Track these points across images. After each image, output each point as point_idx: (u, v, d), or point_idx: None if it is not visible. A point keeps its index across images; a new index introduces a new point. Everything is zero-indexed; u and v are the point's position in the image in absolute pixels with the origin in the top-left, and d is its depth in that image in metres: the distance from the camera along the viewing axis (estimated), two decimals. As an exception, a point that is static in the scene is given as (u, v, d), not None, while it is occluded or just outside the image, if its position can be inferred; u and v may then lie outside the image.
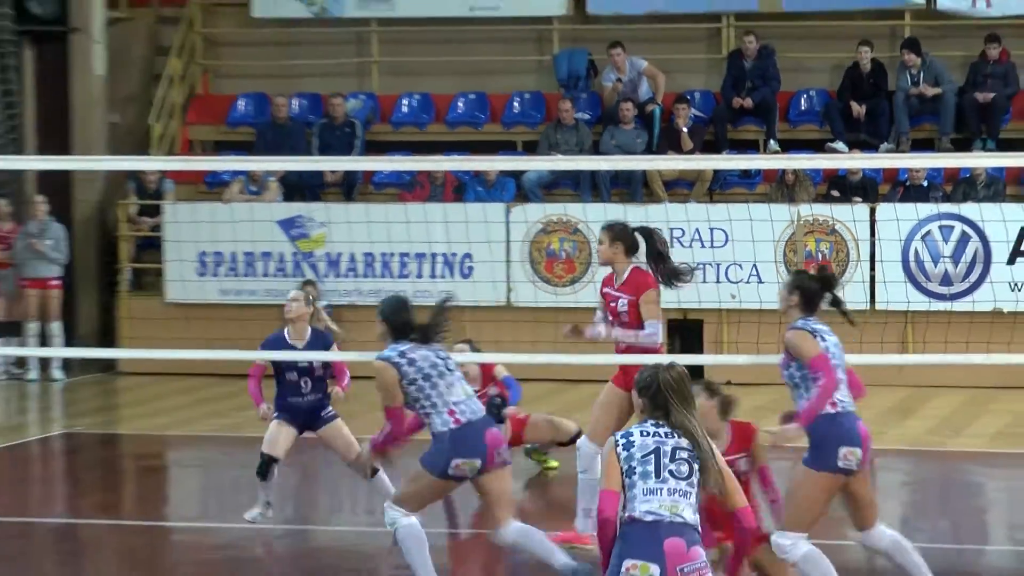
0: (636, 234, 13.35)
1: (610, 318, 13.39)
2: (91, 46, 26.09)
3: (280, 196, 24.25)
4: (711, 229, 22.61)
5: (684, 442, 8.71)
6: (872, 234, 22.33)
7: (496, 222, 22.93)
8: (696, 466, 8.63)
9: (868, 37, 24.19)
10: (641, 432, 8.70)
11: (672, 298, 21.96)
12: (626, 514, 8.56)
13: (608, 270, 13.52)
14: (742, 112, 24.37)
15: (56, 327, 23.60)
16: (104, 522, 15.31)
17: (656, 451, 8.67)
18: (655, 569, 8.31)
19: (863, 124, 23.80)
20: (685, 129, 23.63)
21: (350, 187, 24.59)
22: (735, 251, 22.24)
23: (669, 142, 23.49)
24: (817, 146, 23.49)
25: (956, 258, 21.85)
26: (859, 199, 22.93)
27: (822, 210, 22.79)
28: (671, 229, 22.56)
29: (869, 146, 23.28)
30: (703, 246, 22.52)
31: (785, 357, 11.34)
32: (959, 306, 21.27)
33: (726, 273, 22.54)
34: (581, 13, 25.46)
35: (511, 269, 22.80)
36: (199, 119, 26.34)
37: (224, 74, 27.06)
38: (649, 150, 23.36)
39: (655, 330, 13.30)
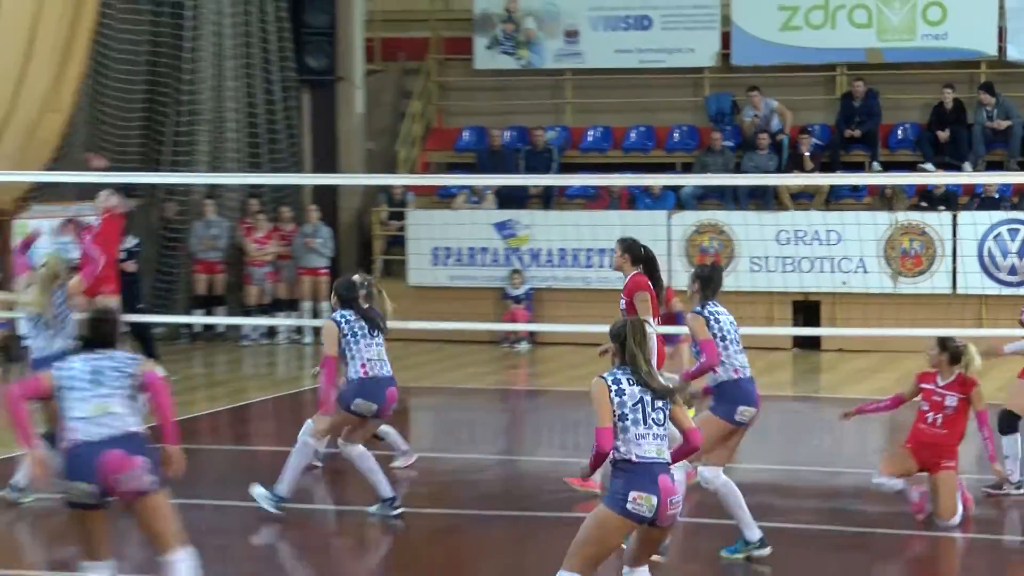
0: (642, 249, 12.52)
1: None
2: (353, 91, 26.37)
3: (495, 205, 24.41)
4: (827, 231, 22.55)
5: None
6: (954, 235, 22.14)
7: (660, 225, 22.85)
8: (667, 413, 8.39)
9: (951, 82, 23.92)
10: (627, 381, 8.37)
11: (796, 284, 22.32)
12: (624, 455, 8.31)
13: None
14: (852, 140, 24.18)
15: (325, 305, 23.71)
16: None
17: (641, 400, 8.34)
18: (655, 499, 8.16)
19: (947, 149, 23.55)
20: (807, 153, 23.56)
21: (548, 198, 24.70)
22: (846, 248, 22.25)
23: (794, 164, 23.43)
24: (911, 167, 23.31)
25: (1021, 253, 21.76)
26: (943, 208, 22.76)
27: (914, 216, 22.66)
28: (796, 231, 22.69)
29: (952, 167, 23.07)
30: (820, 244, 22.41)
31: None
32: (1024, 291, 21.22)
33: (839, 265, 22.44)
34: (726, 64, 25.36)
35: (671, 261, 22.60)
36: (434, 146, 26.51)
37: (453, 112, 27.11)
38: (779, 170, 23.29)
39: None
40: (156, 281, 24.06)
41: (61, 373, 8.31)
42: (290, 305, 24.29)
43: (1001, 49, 24.28)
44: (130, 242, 18.61)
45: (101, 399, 8.16)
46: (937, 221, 22.50)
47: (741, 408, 10.80)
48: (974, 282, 21.84)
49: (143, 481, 7.95)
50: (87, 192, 22.53)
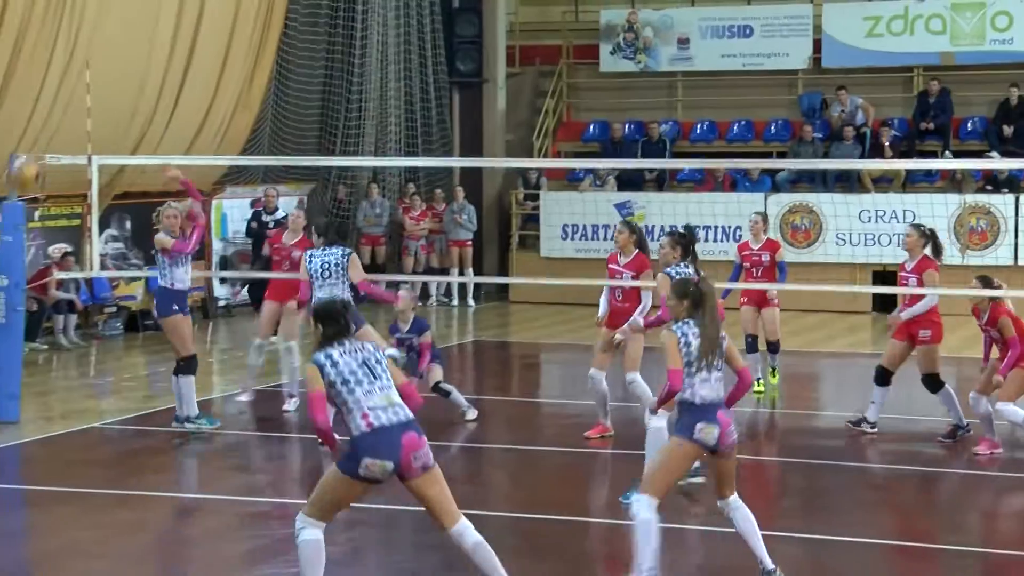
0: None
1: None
2: (496, 91, 26.49)
3: (615, 187, 24.28)
4: (903, 210, 22.09)
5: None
6: (1016, 214, 21.88)
7: (758, 205, 22.27)
8: (723, 360, 8.33)
9: (1016, 81, 23.42)
10: (692, 334, 8.28)
11: (876, 256, 22.06)
12: (689, 397, 8.25)
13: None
14: (926, 132, 23.77)
15: (470, 272, 24.02)
16: (497, 398, 15.65)
17: (691, 349, 8.29)
18: (716, 431, 8.14)
19: (1011, 140, 23.07)
20: (887, 143, 23.13)
21: (661, 182, 24.52)
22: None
23: (875, 152, 23.06)
24: (978, 155, 22.87)
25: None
26: (1006, 190, 22.42)
27: (981, 198, 22.37)
28: (876, 210, 22.47)
29: (1015, 155, 22.59)
30: (897, 221, 21.97)
31: None
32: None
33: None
34: (818, 67, 25.03)
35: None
36: (564, 138, 26.42)
37: (580, 108, 27.04)
38: (862, 157, 22.89)
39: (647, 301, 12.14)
40: (329, 251, 24.20)
41: (332, 371, 7.68)
42: (441, 272, 24.38)
43: (1062, 52, 23.87)
44: (279, 213, 18.61)
45: (384, 390, 7.70)
46: (1001, 202, 22.20)
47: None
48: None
49: (430, 458, 7.66)
50: (271, 176, 22.86)
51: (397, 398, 7.69)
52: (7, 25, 16.92)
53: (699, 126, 25.67)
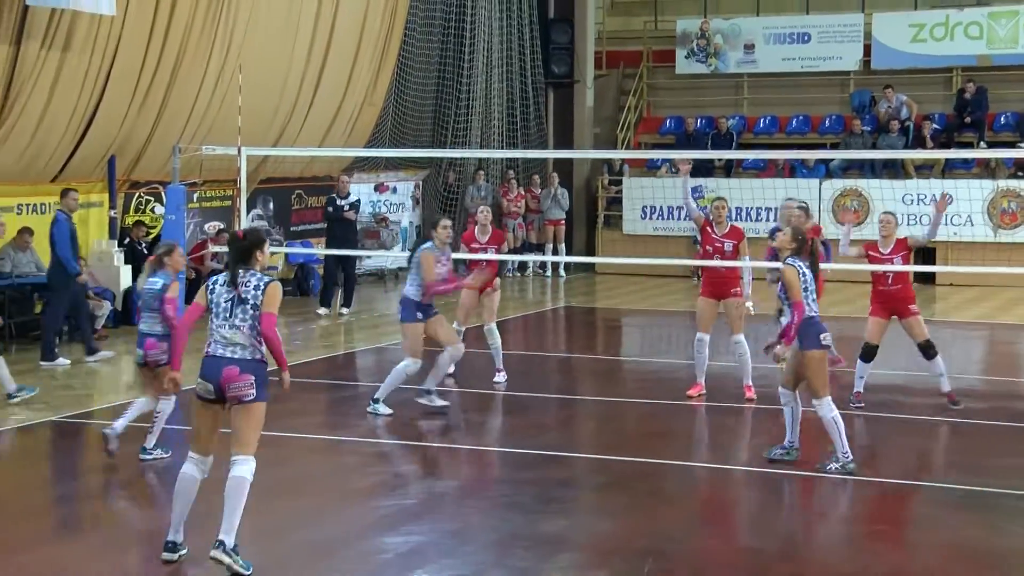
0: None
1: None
2: (585, 91, 26.49)
3: (688, 173, 24.13)
4: (943, 193, 21.88)
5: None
6: (1020, 197, 21.66)
7: (813, 189, 22.28)
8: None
9: (1045, 80, 23.14)
10: (805, 267, 9.43)
11: (919, 235, 21.59)
12: (809, 314, 9.28)
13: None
14: (964, 125, 23.40)
15: (562, 248, 24.04)
16: (584, 356, 15.61)
17: (807, 278, 9.43)
18: (830, 337, 9.43)
19: (1040, 132, 22.77)
20: (928, 135, 22.87)
21: (729, 169, 24.39)
22: (958, 207, 21.47)
23: (918, 143, 22.76)
24: (1011, 145, 22.42)
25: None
26: (1035, 177, 22.06)
27: (1012, 183, 22.04)
28: (919, 194, 22.20)
29: (1043, 145, 22.28)
30: (937, 204, 21.93)
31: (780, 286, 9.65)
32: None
33: (951, 220, 21.61)
34: (867, 68, 24.76)
35: (822, 215, 22.39)
36: (644, 131, 26.32)
37: (659, 106, 26.89)
38: (906, 148, 22.62)
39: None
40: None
41: (210, 296, 7.53)
42: (538, 247, 24.39)
43: (1088, 54, 23.35)
44: (352, 197, 18.66)
45: (231, 328, 7.48)
46: (1030, 187, 21.81)
47: (823, 335, 9.48)
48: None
49: (246, 394, 7.40)
50: (391, 164, 22.99)
51: (239, 339, 7.32)
52: (172, 36, 17.14)
53: (762, 120, 25.47)
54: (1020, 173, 22.45)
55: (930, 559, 7.73)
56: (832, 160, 23.22)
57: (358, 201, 19.15)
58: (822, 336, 9.34)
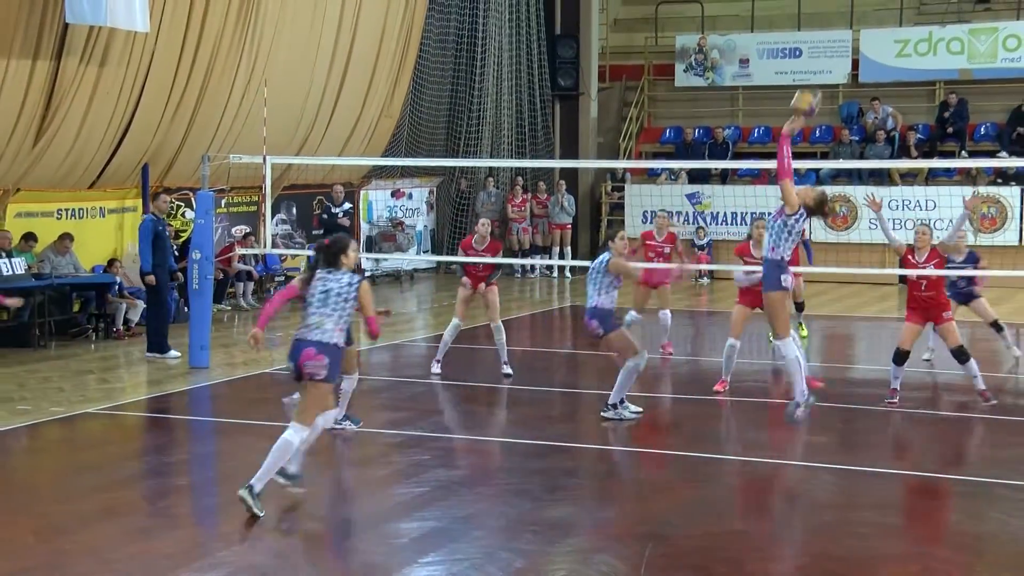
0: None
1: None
2: (590, 103, 26.45)
3: (687, 181, 24.13)
4: (926, 200, 22.04)
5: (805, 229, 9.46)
6: (1021, 203, 21.64)
7: None
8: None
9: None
10: (803, 222, 9.48)
11: (904, 239, 21.42)
12: (775, 254, 9.35)
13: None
14: (946, 135, 23.34)
15: (568, 251, 24.00)
16: (589, 353, 15.55)
17: (795, 229, 9.45)
18: (790, 280, 9.42)
19: (1017, 141, 22.58)
20: (913, 145, 22.79)
21: (725, 176, 24.29)
22: (940, 212, 21.44)
23: (903, 152, 22.70)
24: (990, 154, 22.40)
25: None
26: (1014, 183, 22.03)
27: (992, 190, 22.00)
28: (903, 200, 22.21)
29: (1022, 154, 22.12)
30: (921, 209, 21.93)
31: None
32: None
33: (934, 224, 21.31)
34: (855, 82, 24.71)
35: (812, 220, 22.33)
36: (645, 140, 26.27)
37: (659, 116, 26.82)
38: (891, 157, 22.54)
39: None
40: (452, 232, 24.35)
41: (314, 286, 8.16)
42: (544, 250, 24.36)
43: (1063, 68, 23.30)
44: (346, 205, 18.50)
45: (321, 316, 8.07)
46: (1008, 193, 21.87)
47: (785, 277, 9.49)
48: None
49: (319, 373, 8.01)
50: (407, 172, 23.02)
51: (328, 325, 7.93)
52: (201, 52, 17.20)
53: (756, 131, 25.42)
54: (999, 181, 22.39)
55: (917, 545, 7.75)
56: (822, 168, 23.15)
57: (352, 208, 19.00)
58: (783, 278, 9.29)
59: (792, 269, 12.55)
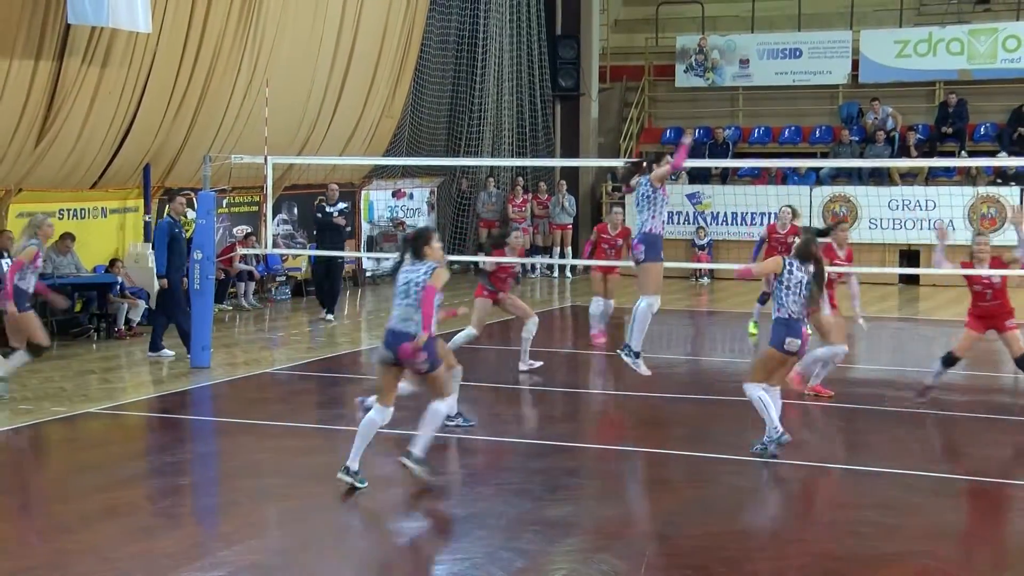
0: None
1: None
2: (591, 103, 26.44)
3: (687, 181, 24.11)
4: (926, 200, 22.06)
5: (805, 278, 9.20)
6: (1021, 203, 21.45)
7: (804, 195, 22.40)
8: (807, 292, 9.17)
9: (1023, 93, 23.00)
10: (794, 267, 9.24)
11: (903, 238, 21.76)
12: (781, 312, 9.17)
13: None
14: (946, 135, 23.27)
15: (568, 251, 23.84)
16: (587, 352, 15.58)
17: (801, 283, 9.21)
18: (797, 345, 9.19)
19: (1020, 142, 22.55)
20: (912, 145, 22.73)
21: (725, 176, 24.24)
22: (940, 212, 21.51)
23: (903, 152, 22.64)
24: (990, 155, 22.35)
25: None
26: (1013, 183, 21.96)
27: (992, 190, 21.95)
28: (903, 200, 22.26)
29: (1021, 154, 22.09)
30: (921, 209, 22.00)
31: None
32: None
33: (933, 225, 21.57)
34: (855, 82, 24.64)
35: (813, 219, 22.34)
36: (645, 140, 26.15)
37: (659, 117, 26.77)
38: (891, 156, 22.45)
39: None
40: (453, 232, 24.34)
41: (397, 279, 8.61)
42: (545, 250, 24.33)
43: (1061, 69, 23.31)
44: (340, 205, 18.32)
45: (406, 307, 8.47)
46: (1008, 193, 21.78)
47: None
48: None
49: (424, 366, 8.45)
50: (408, 172, 23.01)
51: (417, 316, 8.30)
52: (203, 53, 17.18)
53: (756, 131, 25.37)
54: (999, 180, 22.33)
55: (917, 544, 7.74)
56: (822, 168, 23.14)
57: (347, 208, 18.88)
58: (787, 342, 9.15)
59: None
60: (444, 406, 8.69)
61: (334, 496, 8.61)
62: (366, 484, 8.50)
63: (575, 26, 26.23)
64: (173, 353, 14.04)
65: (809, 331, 9.49)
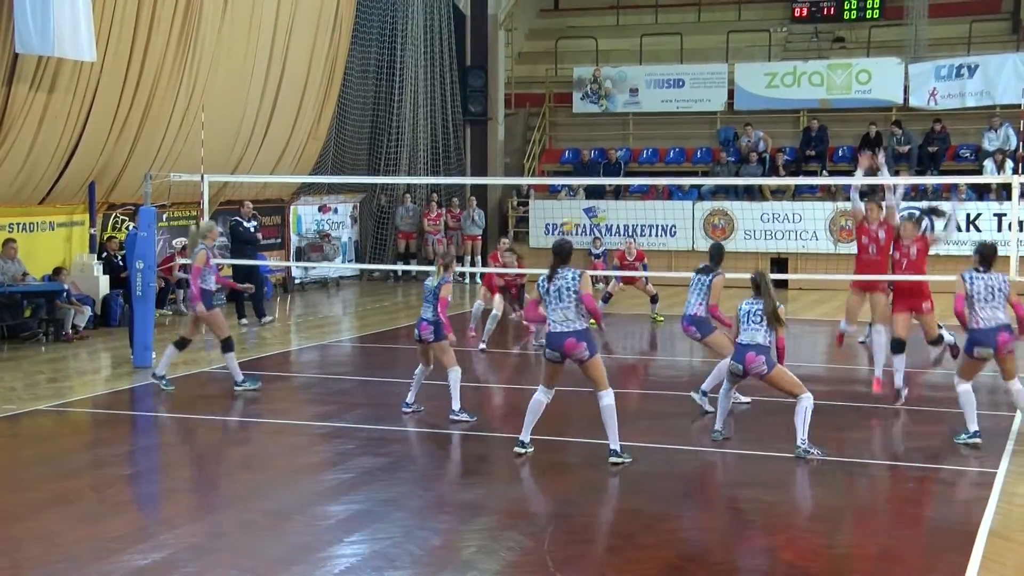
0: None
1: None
2: (497, 127, 26.48)
3: (584, 197, 24.24)
4: (793, 213, 22.35)
5: (760, 308, 9.16)
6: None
7: (688, 210, 22.68)
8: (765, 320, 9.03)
9: (873, 120, 23.36)
10: (748, 304, 9.27)
11: (774, 247, 22.07)
12: (742, 340, 9.11)
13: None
14: (809, 157, 23.70)
15: (479, 260, 23.70)
16: (496, 351, 15.55)
17: (749, 312, 9.25)
18: (740, 368, 9.03)
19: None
20: (781, 165, 23.11)
21: (618, 193, 24.36)
22: (805, 225, 22.00)
23: (772, 171, 23.01)
24: (847, 173, 22.60)
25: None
26: (867, 199, 22.19)
27: (848, 204, 22.14)
28: (774, 213, 22.56)
29: (872, 174, 22.59)
30: (789, 222, 22.26)
31: None
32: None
33: (800, 235, 22.19)
34: (731, 109, 24.97)
35: (695, 231, 22.74)
36: (546, 161, 26.30)
37: (559, 139, 26.84)
38: (763, 175, 22.71)
39: None
40: (373, 243, 24.26)
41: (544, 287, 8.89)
42: (458, 259, 24.19)
43: (905, 99, 23.70)
44: (254, 222, 18.02)
45: (563, 310, 8.86)
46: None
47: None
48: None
49: (584, 355, 8.87)
50: (333, 189, 22.83)
51: (570, 315, 8.72)
52: (144, 80, 16.91)
53: (645, 152, 25.57)
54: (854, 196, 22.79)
55: (793, 517, 7.88)
56: (703, 185, 23.44)
57: (260, 225, 18.49)
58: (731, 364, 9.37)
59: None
60: (609, 396, 8.96)
61: (269, 483, 8.53)
62: (532, 449, 9.14)
63: (483, 58, 26.28)
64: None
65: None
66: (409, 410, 10.74)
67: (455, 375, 10.45)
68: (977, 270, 9.58)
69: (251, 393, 11.85)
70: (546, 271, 8.88)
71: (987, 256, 9.65)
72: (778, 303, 9.36)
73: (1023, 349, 10.77)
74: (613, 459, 8.85)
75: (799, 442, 9.09)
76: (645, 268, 17.78)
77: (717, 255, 11.04)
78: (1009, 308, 9.52)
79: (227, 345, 11.99)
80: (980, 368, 9.71)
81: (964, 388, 9.59)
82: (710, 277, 10.87)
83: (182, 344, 12.21)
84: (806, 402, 9.10)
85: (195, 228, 12.37)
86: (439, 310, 10.21)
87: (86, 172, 16.77)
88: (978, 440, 9.57)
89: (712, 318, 10.76)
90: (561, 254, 8.92)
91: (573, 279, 8.82)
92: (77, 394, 12.10)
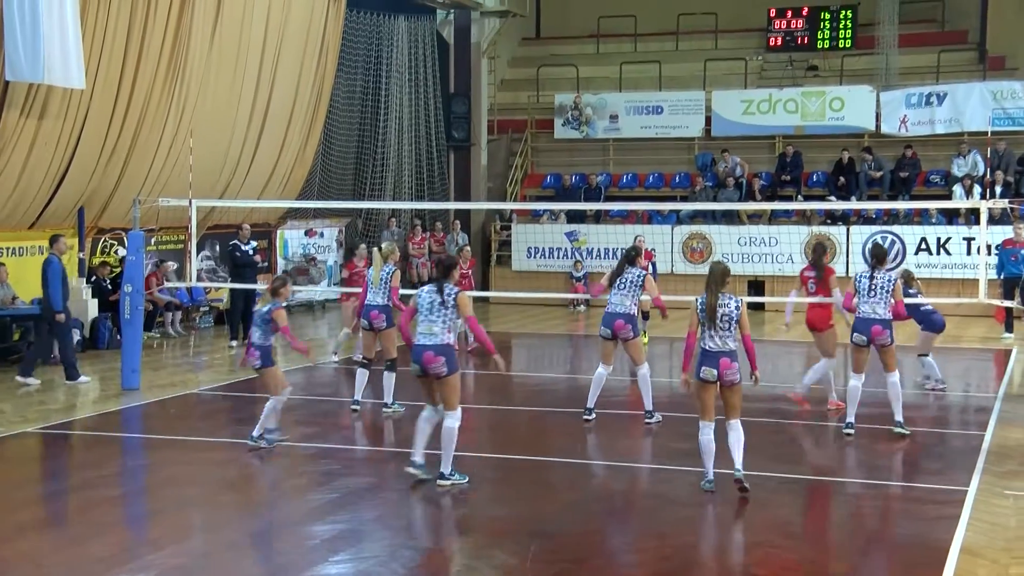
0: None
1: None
2: (480, 152, 26.54)
3: (565, 221, 24.29)
4: (770, 237, 22.46)
5: (725, 311, 8.54)
6: (847, 239, 22.03)
7: (667, 233, 22.73)
8: (734, 324, 8.54)
9: (846, 146, 23.57)
10: (701, 303, 8.62)
11: (751, 270, 22.17)
12: (702, 345, 8.62)
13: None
14: (784, 182, 23.85)
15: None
16: (479, 372, 15.51)
17: (714, 313, 8.57)
18: (713, 373, 8.50)
19: (843, 188, 23.20)
20: (757, 189, 23.29)
21: (598, 217, 24.46)
22: (781, 248, 22.06)
23: (749, 196, 23.17)
24: (821, 198, 22.92)
25: (890, 251, 21.10)
26: (841, 223, 22.49)
27: (823, 228, 22.33)
28: (751, 237, 22.66)
29: (846, 199, 22.72)
30: (765, 245, 22.37)
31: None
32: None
33: (776, 258, 22.28)
34: (709, 135, 25.10)
35: (674, 254, 22.80)
36: (529, 185, 26.36)
37: (541, 164, 26.93)
38: (740, 200, 22.98)
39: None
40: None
41: (417, 299, 8.83)
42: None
43: (877, 125, 23.87)
44: (252, 244, 17.96)
45: (429, 323, 8.75)
46: (837, 232, 22.23)
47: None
48: (860, 268, 21.10)
49: (443, 370, 8.70)
50: (319, 214, 22.81)
51: (435, 329, 8.62)
52: (133, 106, 16.90)
53: (625, 177, 25.65)
54: (829, 221, 22.91)
55: (768, 535, 7.89)
56: (681, 210, 23.53)
57: (258, 246, 18.52)
58: (703, 369, 8.59)
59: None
60: (452, 422, 8.89)
61: (251, 504, 8.48)
62: (426, 475, 8.87)
63: (467, 85, 26.36)
64: (39, 381, 13.60)
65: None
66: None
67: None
68: (874, 270, 10.48)
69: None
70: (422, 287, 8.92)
71: (878, 256, 10.64)
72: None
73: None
74: (441, 481, 8.71)
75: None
76: (654, 268, 16.87)
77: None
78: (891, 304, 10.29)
79: (390, 366, 11.93)
80: (865, 357, 10.39)
81: (852, 384, 10.47)
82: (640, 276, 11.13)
83: (389, 365, 11.84)
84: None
85: (378, 250, 12.25)
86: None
87: (75, 197, 16.72)
88: (851, 432, 10.35)
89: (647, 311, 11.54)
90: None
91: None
92: (65, 416, 12.02)
